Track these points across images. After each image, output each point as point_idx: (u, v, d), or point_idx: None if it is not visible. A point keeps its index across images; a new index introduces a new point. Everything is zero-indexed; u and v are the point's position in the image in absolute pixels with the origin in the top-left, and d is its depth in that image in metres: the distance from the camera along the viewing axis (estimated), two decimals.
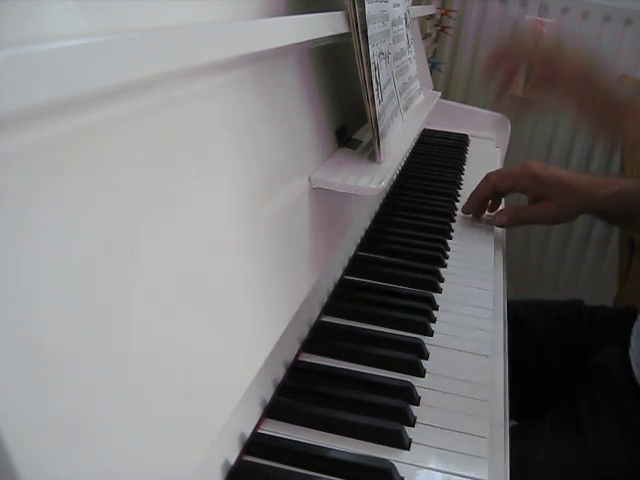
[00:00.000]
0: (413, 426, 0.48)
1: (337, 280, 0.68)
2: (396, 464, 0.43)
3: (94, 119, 0.29)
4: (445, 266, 0.77)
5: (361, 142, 0.71)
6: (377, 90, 0.64)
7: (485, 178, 0.91)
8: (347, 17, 0.61)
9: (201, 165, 0.39)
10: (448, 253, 0.81)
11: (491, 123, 1.45)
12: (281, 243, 0.49)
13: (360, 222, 0.80)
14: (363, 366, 0.55)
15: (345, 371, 0.53)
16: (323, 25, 0.57)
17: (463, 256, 0.81)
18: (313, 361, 0.55)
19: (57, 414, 0.26)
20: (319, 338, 0.58)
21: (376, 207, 0.90)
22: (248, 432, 0.44)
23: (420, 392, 0.52)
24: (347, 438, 0.46)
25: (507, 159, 1.46)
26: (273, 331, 0.46)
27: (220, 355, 0.39)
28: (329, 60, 0.69)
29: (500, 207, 0.94)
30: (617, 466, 0.71)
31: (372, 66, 0.63)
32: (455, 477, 0.44)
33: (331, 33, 0.58)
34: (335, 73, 0.71)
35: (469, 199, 0.93)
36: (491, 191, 0.90)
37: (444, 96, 1.48)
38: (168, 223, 0.35)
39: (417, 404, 0.51)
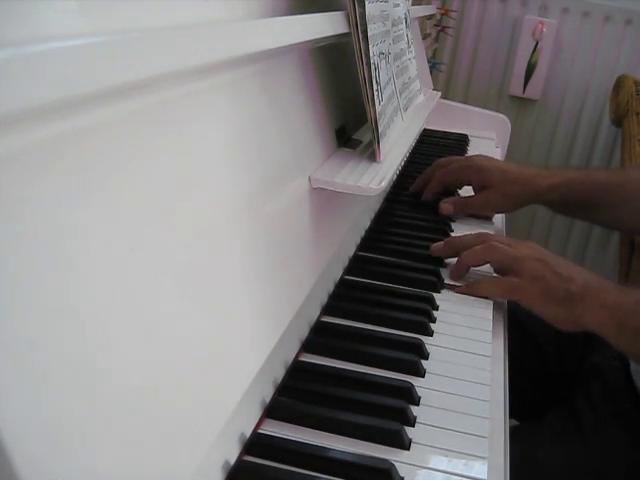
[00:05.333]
0: (413, 426, 0.48)
1: (337, 280, 0.68)
2: (396, 464, 0.43)
3: (94, 119, 0.29)
4: (445, 266, 0.76)
5: (361, 142, 0.71)
6: (377, 90, 0.64)
7: (432, 176, 0.96)
8: (347, 17, 0.61)
9: (201, 165, 0.39)
10: None
11: (491, 123, 1.46)
12: (281, 243, 0.49)
13: (360, 222, 0.80)
14: (363, 366, 0.55)
15: (345, 371, 0.53)
16: (323, 25, 0.57)
17: None
18: (313, 361, 0.55)
19: (57, 414, 0.26)
20: (319, 338, 0.58)
21: (376, 207, 0.90)
22: (248, 432, 0.44)
23: (420, 392, 0.52)
24: (347, 438, 0.46)
25: (507, 159, 1.47)
26: (273, 331, 0.46)
27: (220, 355, 0.39)
28: (329, 60, 0.69)
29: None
30: (617, 466, 0.71)
31: (372, 66, 0.63)
32: (455, 477, 0.44)
33: (331, 33, 0.58)
34: (335, 73, 0.71)
35: (418, 182, 0.98)
36: (441, 188, 0.95)
37: (444, 96, 1.48)
38: (168, 222, 0.35)
39: (417, 404, 0.51)
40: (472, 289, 0.71)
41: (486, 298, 0.70)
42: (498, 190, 0.89)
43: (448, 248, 0.76)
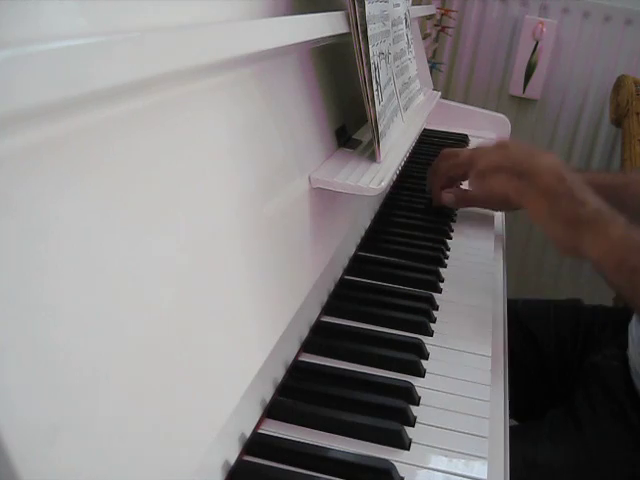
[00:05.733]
0: (413, 426, 0.48)
1: (337, 280, 0.68)
2: (396, 464, 0.43)
3: (94, 119, 0.29)
4: (445, 266, 0.77)
5: (361, 142, 0.71)
6: (377, 90, 0.64)
7: (437, 169, 0.91)
8: (347, 17, 0.61)
9: (201, 165, 0.39)
10: (448, 253, 0.81)
11: (491, 123, 1.45)
12: (281, 243, 0.49)
13: (360, 222, 0.80)
14: (363, 366, 0.55)
15: (345, 371, 0.53)
16: (323, 25, 0.57)
17: (463, 256, 0.81)
18: (313, 361, 0.55)
19: (57, 414, 0.26)
20: (319, 338, 0.58)
21: (376, 207, 0.90)
22: (248, 432, 0.44)
23: (420, 392, 0.52)
24: (347, 438, 0.46)
25: None
26: (273, 331, 0.46)
27: (220, 355, 0.39)
28: (329, 60, 0.69)
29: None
30: (616, 466, 0.71)
31: (372, 66, 0.63)
32: (455, 477, 0.44)
33: (331, 33, 0.58)
34: (335, 73, 0.71)
35: (428, 184, 0.94)
36: (448, 182, 0.91)
37: (444, 96, 1.48)
38: (167, 222, 0.35)
39: (417, 404, 0.51)
40: (479, 185, 0.69)
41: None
42: None
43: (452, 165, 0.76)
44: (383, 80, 0.70)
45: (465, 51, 2.04)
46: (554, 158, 0.69)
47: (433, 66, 1.73)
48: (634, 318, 0.80)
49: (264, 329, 0.45)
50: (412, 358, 0.56)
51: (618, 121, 1.73)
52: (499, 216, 0.98)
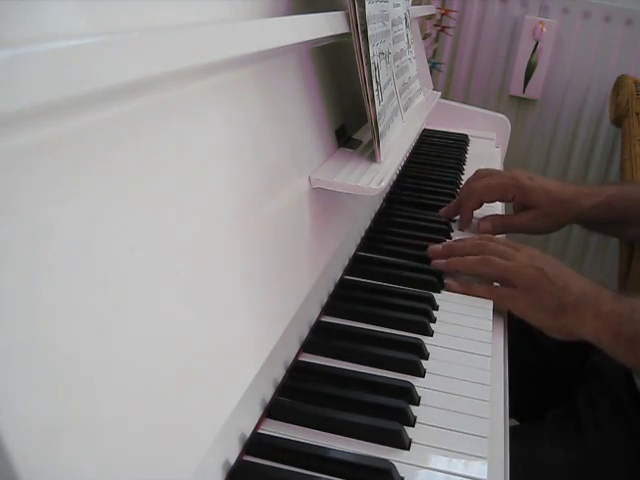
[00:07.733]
0: (413, 426, 0.48)
1: (337, 280, 0.68)
2: (396, 464, 0.43)
3: (94, 119, 0.29)
4: None
5: (361, 142, 0.71)
6: (377, 90, 0.64)
7: (470, 190, 0.89)
8: (347, 17, 0.61)
9: (201, 165, 0.39)
10: None
11: (491, 123, 1.45)
12: (281, 243, 0.49)
13: (360, 222, 0.80)
14: (363, 366, 0.55)
15: (345, 371, 0.53)
16: (323, 25, 0.57)
17: None
18: (313, 361, 0.55)
19: (57, 415, 0.26)
20: (319, 338, 0.58)
21: (376, 207, 0.90)
22: (248, 432, 0.44)
23: (420, 392, 0.52)
24: (347, 438, 0.46)
25: (507, 159, 1.47)
26: (273, 331, 0.46)
27: (220, 355, 0.39)
28: (329, 60, 0.69)
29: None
30: (617, 466, 0.71)
31: (372, 66, 0.63)
32: (455, 477, 0.44)
33: (331, 33, 0.58)
34: (335, 73, 0.71)
35: (451, 206, 0.92)
36: (478, 204, 0.90)
37: (444, 96, 1.48)
38: (168, 223, 0.35)
39: (417, 404, 0.51)
40: (466, 290, 0.70)
41: None
42: (542, 211, 0.86)
43: (446, 253, 0.75)
44: (383, 80, 0.70)
45: (465, 51, 2.04)
46: (531, 252, 0.70)
47: (433, 66, 1.73)
48: None
49: (264, 329, 0.45)
50: (412, 358, 0.56)
51: (618, 121, 1.73)
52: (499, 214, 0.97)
